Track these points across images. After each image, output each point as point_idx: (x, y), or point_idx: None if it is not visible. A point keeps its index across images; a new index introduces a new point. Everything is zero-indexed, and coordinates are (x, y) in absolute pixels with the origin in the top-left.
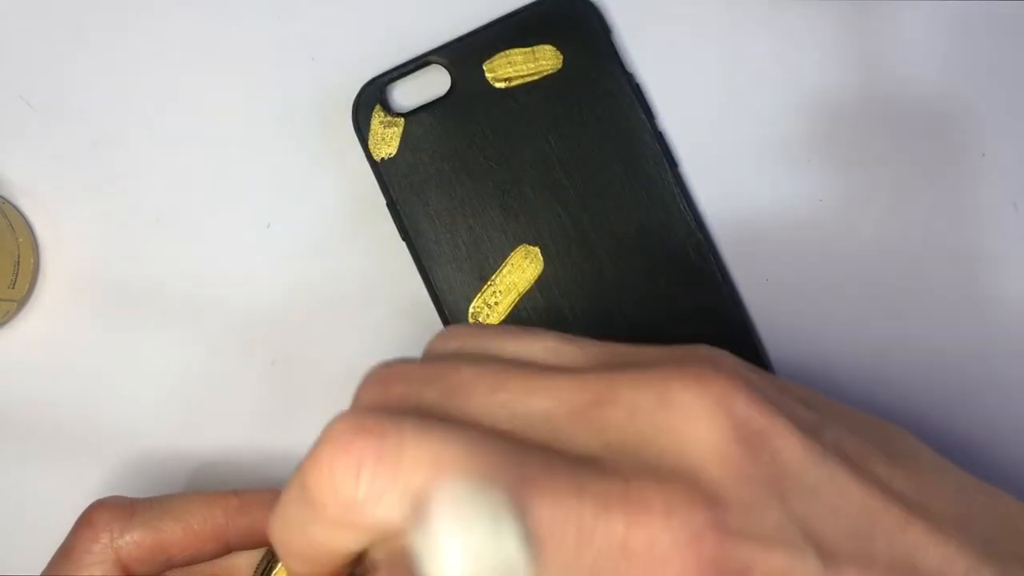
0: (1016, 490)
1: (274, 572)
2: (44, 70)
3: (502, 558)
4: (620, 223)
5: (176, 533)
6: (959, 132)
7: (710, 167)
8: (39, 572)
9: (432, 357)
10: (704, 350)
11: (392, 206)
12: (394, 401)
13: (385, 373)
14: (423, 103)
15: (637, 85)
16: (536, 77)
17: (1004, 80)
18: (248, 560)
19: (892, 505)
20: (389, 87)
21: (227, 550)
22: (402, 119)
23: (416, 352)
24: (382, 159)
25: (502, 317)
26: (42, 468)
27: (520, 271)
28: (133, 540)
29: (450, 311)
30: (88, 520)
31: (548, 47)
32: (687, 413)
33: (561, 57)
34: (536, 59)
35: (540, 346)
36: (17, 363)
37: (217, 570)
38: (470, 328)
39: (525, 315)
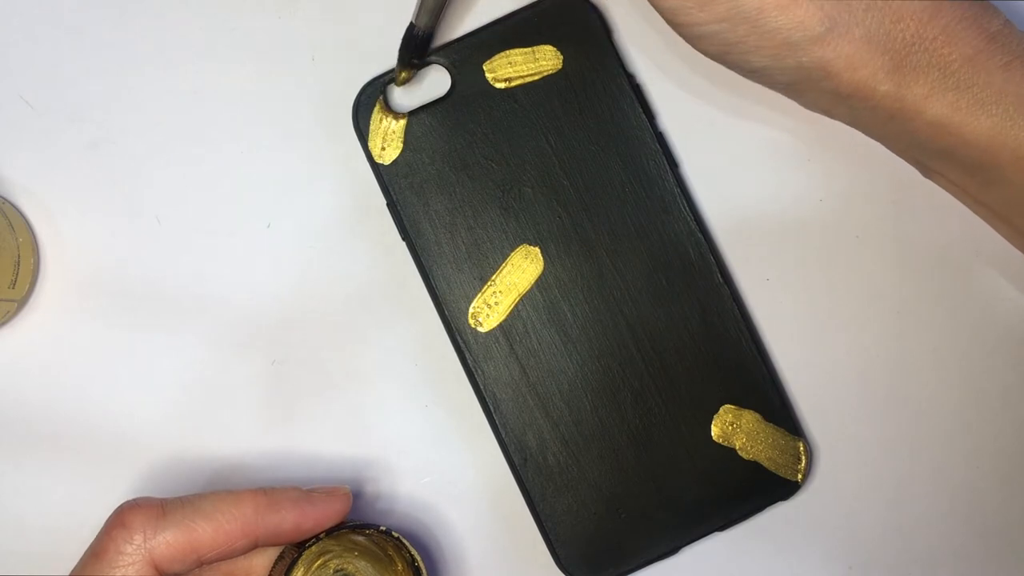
0: None
1: (293, 570)
2: (44, 70)
3: None
4: (620, 223)
5: (207, 532)
6: None
7: (710, 167)
8: (37, 572)
9: None
10: None
11: (392, 206)
12: None
13: None
14: (423, 103)
15: (637, 85)
16: (536, 77)
17: None
18: (264, 560)
19: None
20: (389, 87)
21: (254, 547)
22: (403, 119)
23: (421, 355)
24: (382, 159)
25: (502, 317)
26: (40, 468)
27: (520, 271)
28: (166, 540)
29: (450, 311)
30: (121, 521)
31: (548, 47)
32: None
33: (561, 57)
34: (536, 59)
35: None
36: (17, 363)
37: (235, 568)
38: None
39: (525, 315)
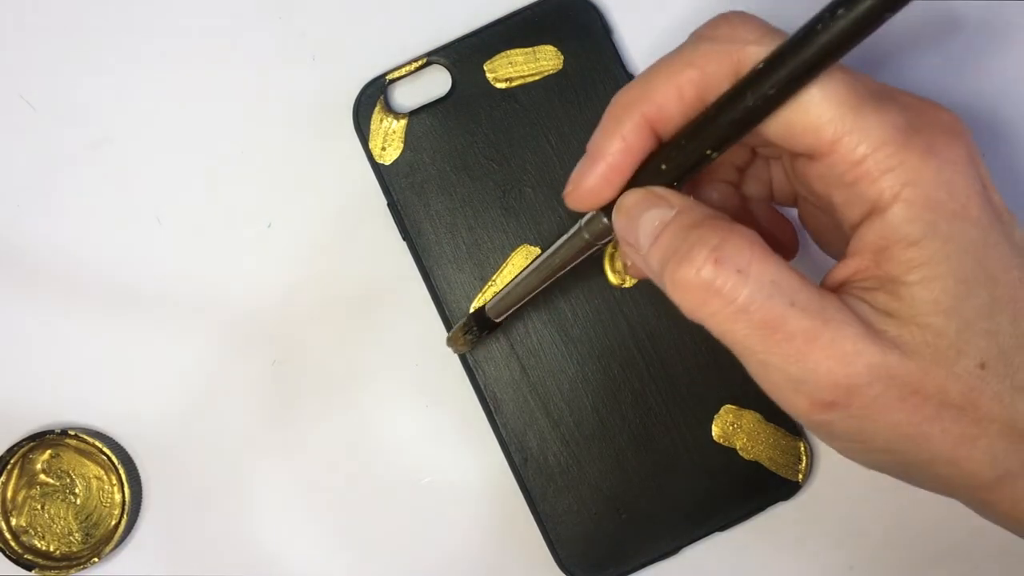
0: None
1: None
2: (44, 70)
3: None
4: None
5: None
6: None
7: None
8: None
9: None
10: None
11: (393, 206)
12: None
13: None
14: (424, 103)
15: None
16: (537, 77)
17: (1003, 81)
18: None
19: None
20: (390, 87)
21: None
22: (403, 119)
23: (421, 355)
24: (383, 159)
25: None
26: None
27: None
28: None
29: (450, 311)
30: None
31: (549, 47)
32: None
33: (562, 57)
34: (537, 59)
35: None
36: (14, 362)
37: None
38: None
39: (525, 314)
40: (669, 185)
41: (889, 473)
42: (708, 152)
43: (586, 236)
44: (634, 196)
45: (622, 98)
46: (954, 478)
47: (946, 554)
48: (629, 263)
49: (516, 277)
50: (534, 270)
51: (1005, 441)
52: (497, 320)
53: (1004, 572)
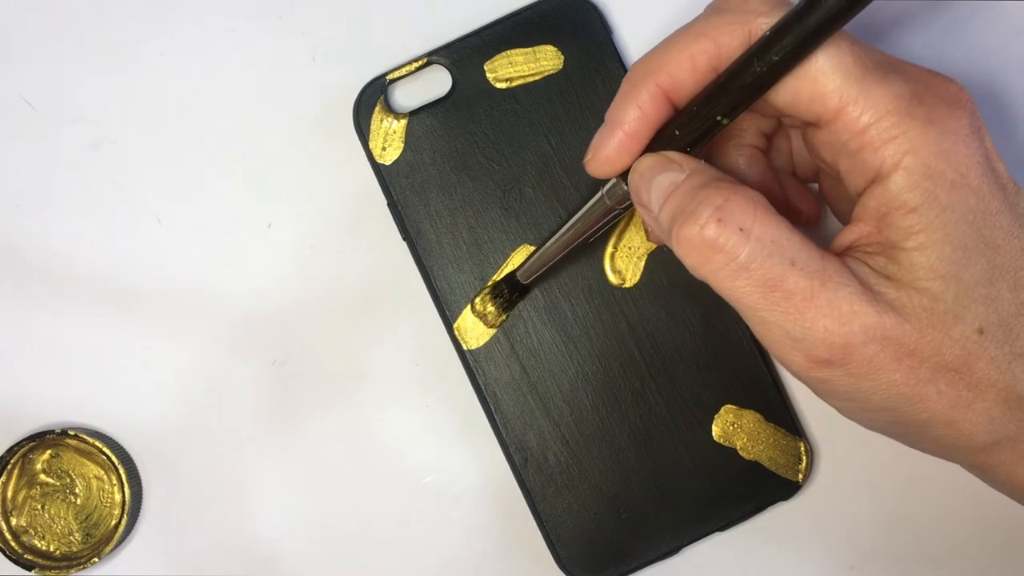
0: None
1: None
2: (44, 70)
3: None
4: None
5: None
6: None
7: None
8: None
9: None
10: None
11: (393, 206)
12: None
13: None
14: (424, 103)
15: None
16: (537, 77)
17: (1002, 80)
18: None
19: None
20: (390, 87)
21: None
22: (403, 119)
23: (421, 355)
24: (383, 159)
25: (502, 317)
26: None
27: None
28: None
29: (451, 311)
30: None
31: (549, 47)
32: None
33: (562, 57)
34: (537, 59)
35: None
36: (14, 362)
37: None
38: None
39: (525, 314)
40: (682, 150)
41: (888, 434)
42: (719, 119)
43: (607, 201)
44: (648, 160)
45: (638, 68)
46: (950, 440)
47: (946, 554)
48: (649, 229)
49: (545, 243)
50: (561, 235)
51: (1002, 406)
52: (526, 283)
53: (1004, 573)
